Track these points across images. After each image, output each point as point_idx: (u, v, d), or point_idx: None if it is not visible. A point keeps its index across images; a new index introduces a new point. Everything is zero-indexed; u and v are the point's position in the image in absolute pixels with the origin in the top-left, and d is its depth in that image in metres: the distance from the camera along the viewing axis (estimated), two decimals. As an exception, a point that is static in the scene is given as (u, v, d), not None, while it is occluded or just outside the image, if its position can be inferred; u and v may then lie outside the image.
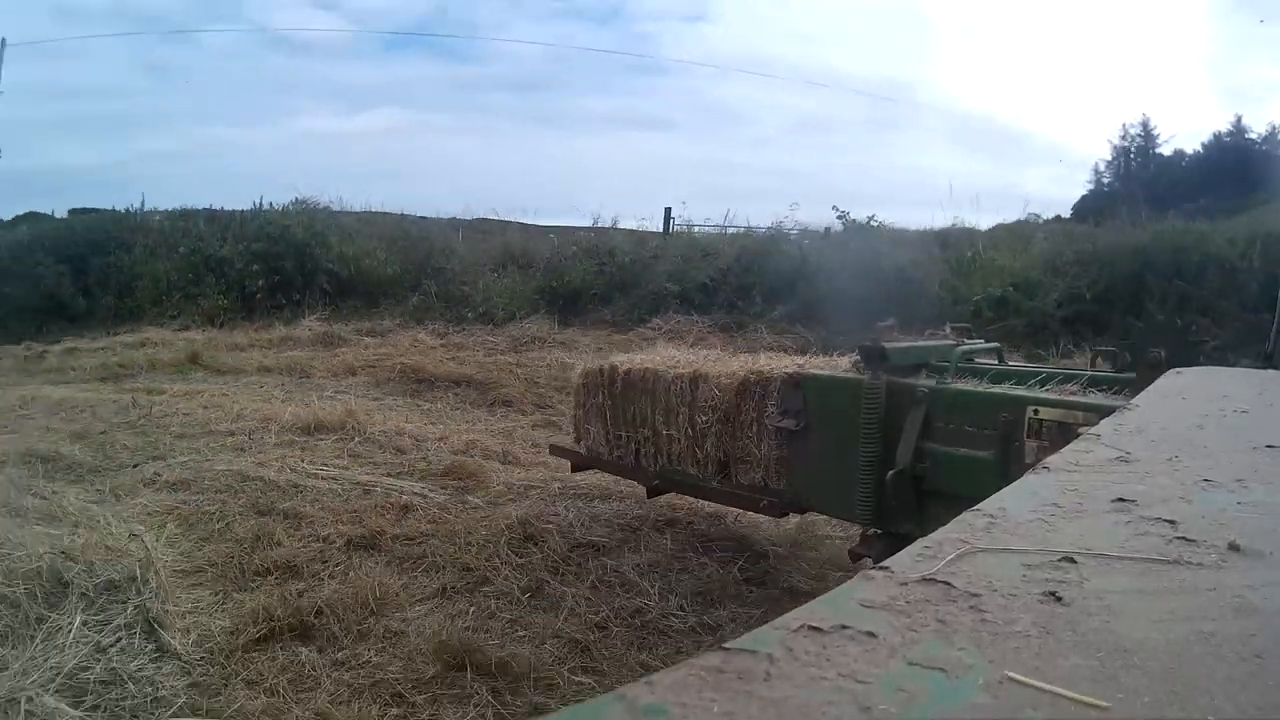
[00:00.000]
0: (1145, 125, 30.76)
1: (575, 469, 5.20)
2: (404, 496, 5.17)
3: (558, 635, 3.49)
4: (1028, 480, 1.38)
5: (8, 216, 26.56)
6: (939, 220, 15.27)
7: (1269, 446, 1.62)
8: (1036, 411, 2.88)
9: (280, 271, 14.55)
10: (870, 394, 3.40)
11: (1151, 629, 0.81)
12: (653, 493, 4.68)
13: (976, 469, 2.98)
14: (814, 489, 3.78)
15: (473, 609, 3.73)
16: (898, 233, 14.59)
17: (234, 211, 17.27)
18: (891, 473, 3.24)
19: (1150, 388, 2.58)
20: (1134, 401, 2.27)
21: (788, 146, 49.05)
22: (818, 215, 16.20)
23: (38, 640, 2.99)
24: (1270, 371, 3.22)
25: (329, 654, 3.24)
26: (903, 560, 0.97)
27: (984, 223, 15.49)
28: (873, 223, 14.59)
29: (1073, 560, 0.97)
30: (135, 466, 5.65)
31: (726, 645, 0.72)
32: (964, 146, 49.22)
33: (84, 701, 2.69)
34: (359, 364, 10.11)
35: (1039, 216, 16.64)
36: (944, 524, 1.11)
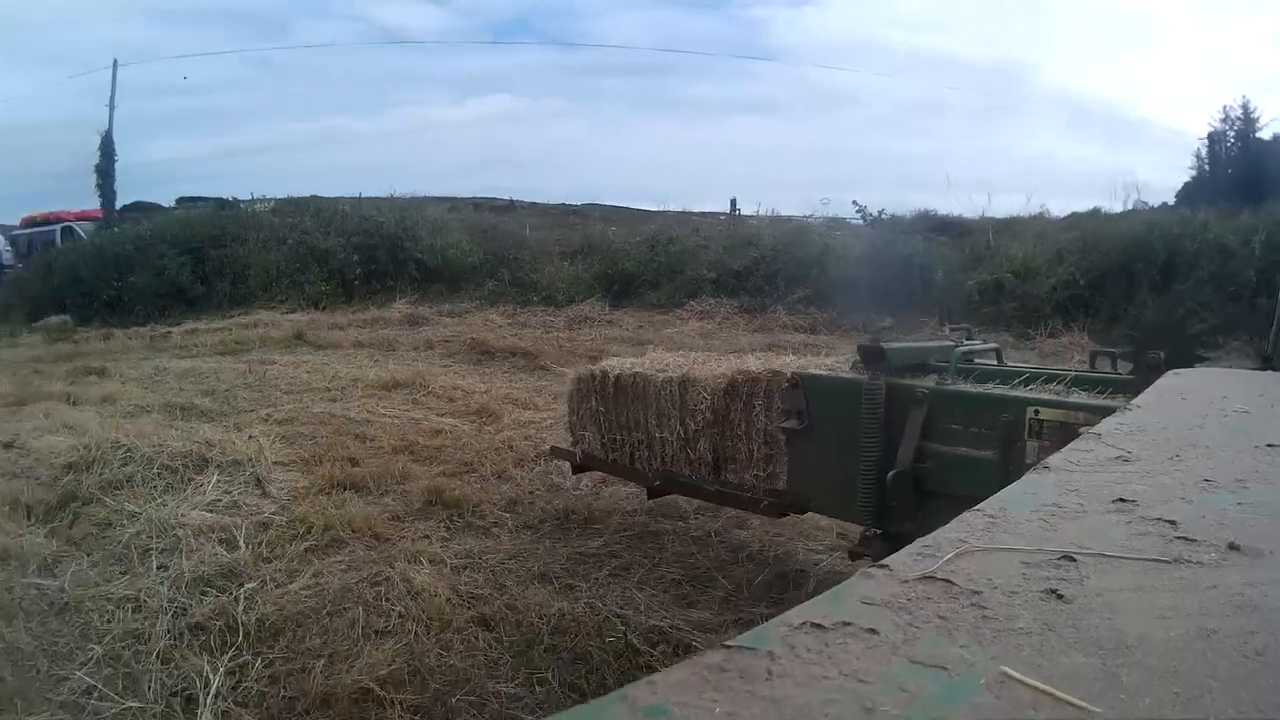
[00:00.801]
0: (1245, 108, 28.59)
1: (576, 470, 5.34)
2: (440, 426, 6.95)
3: (502, 494, 5.34)
4: (1028, 480, 1.41)
5: (117, 205, 28.71)
6: (1032, 206, 16.11)
7: (1269, 446, 1.63)
8: (1037, 412, 2.94)
9: (375, 261, 16.58)
10: (870, 394, 3.45)
11: (1153, 626, 0.82)
12: (653, 494, 4.78)
13: (977, 469, 3.03)
14: (814, 489, 3.84)
15: (457, 480, 5.49)
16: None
17: (337, 199, 19.74)
18: (892, 473, 3.29)
19: (1150, 388, 2.61)
20: (1134, 402, 2.31)
21: (898, 132, 48.96)
22: (904, 203, 16.92)
23: (189, 490, 4.88)
24: (1270, 373, 3.22)
25: (363, 497, 5.07)
26: (903, 559, 0.98)
27: (1081, 207, 16.21)
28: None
29: (1073, 559, 0.98)
30: (251, 411, 7.49)
31: (728, 643, 0.75)
32: (1076, 130, 48.49)
33: (218, 516, 4.56)
34: (436, 339, 11.73)
35: (1146, 204, 16.96)
36: (945, 524, 1.13)
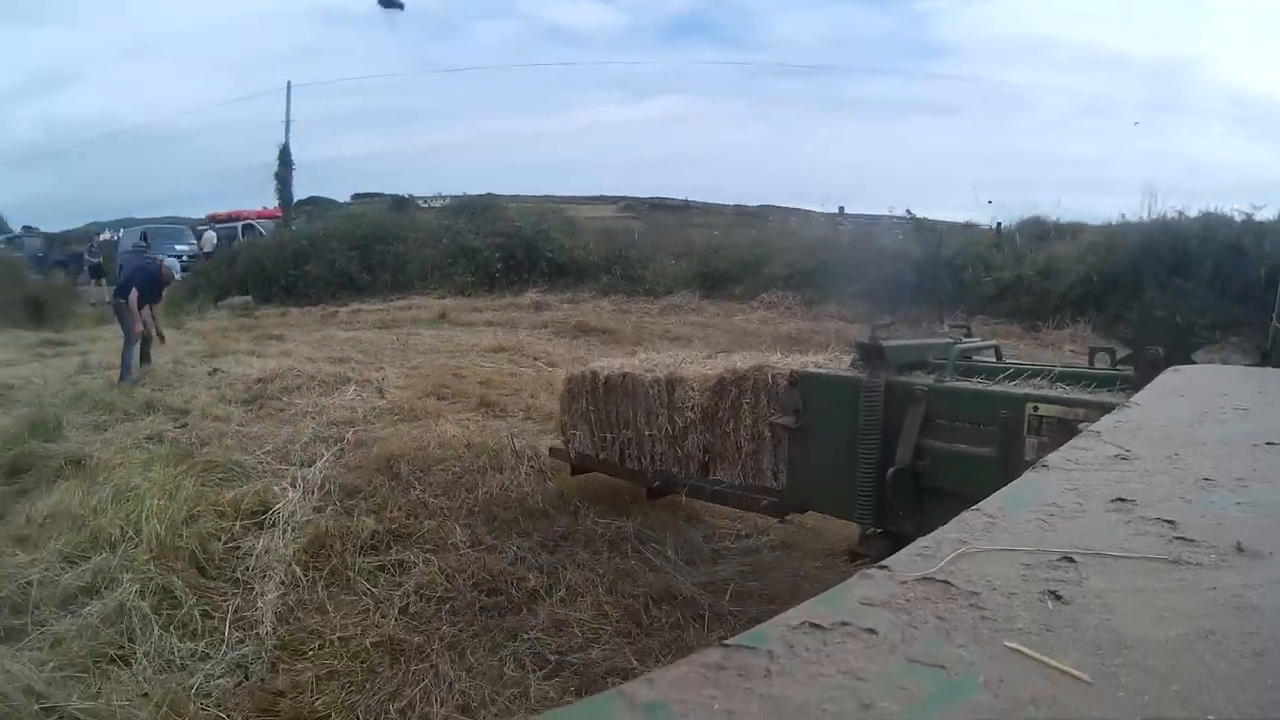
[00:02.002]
0: None
1: (575, 472, 5.35)
2: (515, 371, 9.43)
3: (525, 402, 7.55)
4: (1027, 479, 1.42)
5: (294, 200, 31.05)
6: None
7: (1269, 444, 1.64)
8: (1036, 409, 2.94)
9: (514, 257, 19.68)
10: (869, 392, 3.46)
11: (1151, 627, 0.82)
12: (652, 494, 4.80)
13: (976, 466, 3.03)
14: (814, 488, 3.84)
15: (502, 397, 7.75)
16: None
17: (502, 197, 23.39)
18: (891, 470, 3.30)
19: (1150, 385, 2.60)
20: (1134, 399, 2.32)
21: (1069, 131, 47.89)
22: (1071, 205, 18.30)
23: (335, 394, 7.26)
24: (1269, 369, 3.23)
25: (440, 401, 7.34)
26: (902, 559, 0.99)
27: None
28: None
29: (1072, 560, 0.99)
30: (390, 361, 10.08)
31: (727, 642, 0.75)
32: (1250, 131, 45.62)
33: (354, 410, 6.88)
34: (551, 321, 14.34)
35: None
36: (944, 523, 1.14)
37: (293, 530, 4.05)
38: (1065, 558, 1.00)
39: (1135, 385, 2.84)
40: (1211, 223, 14.22)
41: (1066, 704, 0.68)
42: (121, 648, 3.11)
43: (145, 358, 8.60)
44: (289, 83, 28.41)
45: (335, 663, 3.23)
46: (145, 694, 2.82)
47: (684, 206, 32.52)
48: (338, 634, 3.43)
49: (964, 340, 4.02)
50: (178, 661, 3.06)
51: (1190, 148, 37.15)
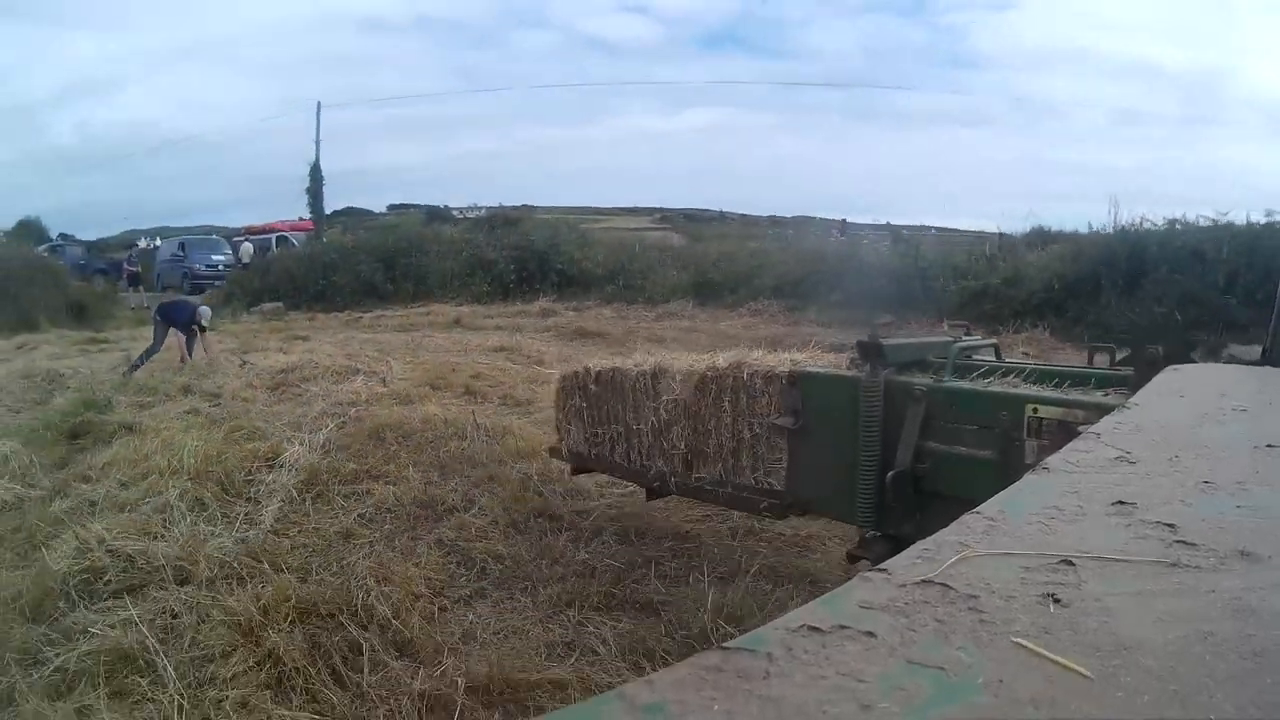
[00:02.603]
0: None
1: (575, 471, 5.40)
2: (505, 367, 10.41)
3: (505, 391, 8.65)
4: (1027, 482, 1.43)
5: (328, 210, 33.64)
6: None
7: (1269, 446, 1.65)
8: (1036, 410, 2.93)
9: (526, 268, 21.44)
10: (869, 392, 3.44)
11: (1151, 629, 0.83)
12: (651, 495, 4.81)
13: (976, 468, 3.03)
14: (813, 490, 3.82)
15: (485, 387, 8.84)
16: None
17: (539, 209, 26.66)
18: (891, 473, 3.28)
19: (1149, 385, 2.61)
20: (1133, 400, 2.32)
21: (1102, 142, 50.80)
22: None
23: (344, 383, 8.51)
24: (1268, 369, 3.22)
25: (434, 389, 8.46)
26: (901, 562, 1.00)
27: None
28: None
29: (1071, 563, 1.00)
30: (400, 358, 11.31)
31: (726, 644, 0.76)
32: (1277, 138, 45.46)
33: (359, 395, 8.11)
34: (553, 325, 15.92)
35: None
36: (944, 526, 1.14)
37: (295, 470, 5.24)
38: (1065, 561, 1.00)
39: (1134, 384, 2.84)
40: (1174, 230, 15.35)
41: (1067, 705, 0.69)
42: (164, 528, 4.30)
43: (183, 358, 10.35)
44: (319, 103, 30.65)
45: (305, 540, 4.43)
46: (175, 551, 4.02)
47: (719, 218, 34.41)
48: (313, 526, 4.67)
49: (963, 339, 4.01)
50: (200, 536, 4.25)
51: (1225, 157, 37.60)
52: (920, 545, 1.06)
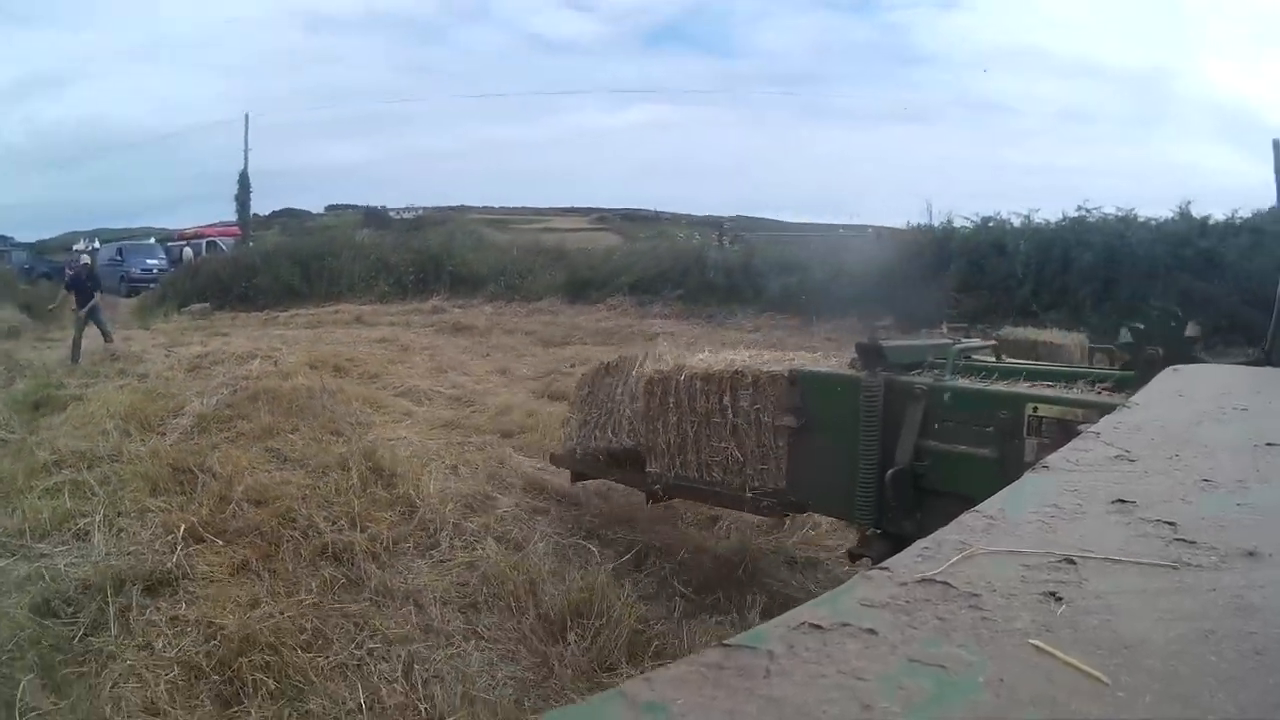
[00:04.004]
0: None
1: (575, 479, 5.52)
2: (374, 351, 12.50)
3: (364, 369, 10.84)
4: (1027, 481, 1.44)
5: (265, 212, 35.69)
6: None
7: (1269, 445, 1.67)
8: (1036, 409, 2.99)
9: (424, 270, 23.56)
10: (869, 392, 3.51)
11: (1152, 628, 0.84)
12: (651, 498, 4.87)
13: (976, 467, 3.08)
14: (813, 489, 3.89)
15: (350, 366, 10.95)
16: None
17: (457, 209, 28.36)
18: (891, 472, 3.35)
19: (1149, 385, 2.64)
20: (1133, 399, 2.35)
21: (1050, 140, 50.31)
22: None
23: (246, 365, 11.20)
24: (1268, 369, 3.21)
25: (314, 365, 11.18)
26: (902, 561, 1.01)
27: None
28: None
29: (1072, 561, 1.01)
30: (300, 346, 13.82)
31: (727, 642, 0.77)
32: (1227, 140, 48.93)
33: (253, 373, 10.79)
34: (437, 321, 17.99)
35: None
36: (944, 524, 1.16)
37: (191, 416, 7.88)
38: (1065, 559, 1.01)
39: (1135, 384, 2.87)
40: (984, 227, 17.57)
41: (1067, 704, 0.69)
42: (104, 440, 6.85)
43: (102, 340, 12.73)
44: (246, 115, 32.69)
45: (187, 449, 6.66)
46: (109, 449, 6.65)
47: (655, 217, 35.14)
48: (194, 444, 6.97)
49: (963, 340, 4.11)
50: (126, 444, 6.89)
51: (1172, 156, 39.45)
52: (921, 543, 1.07)
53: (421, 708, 3.03)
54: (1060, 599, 0.91)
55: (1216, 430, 1.88)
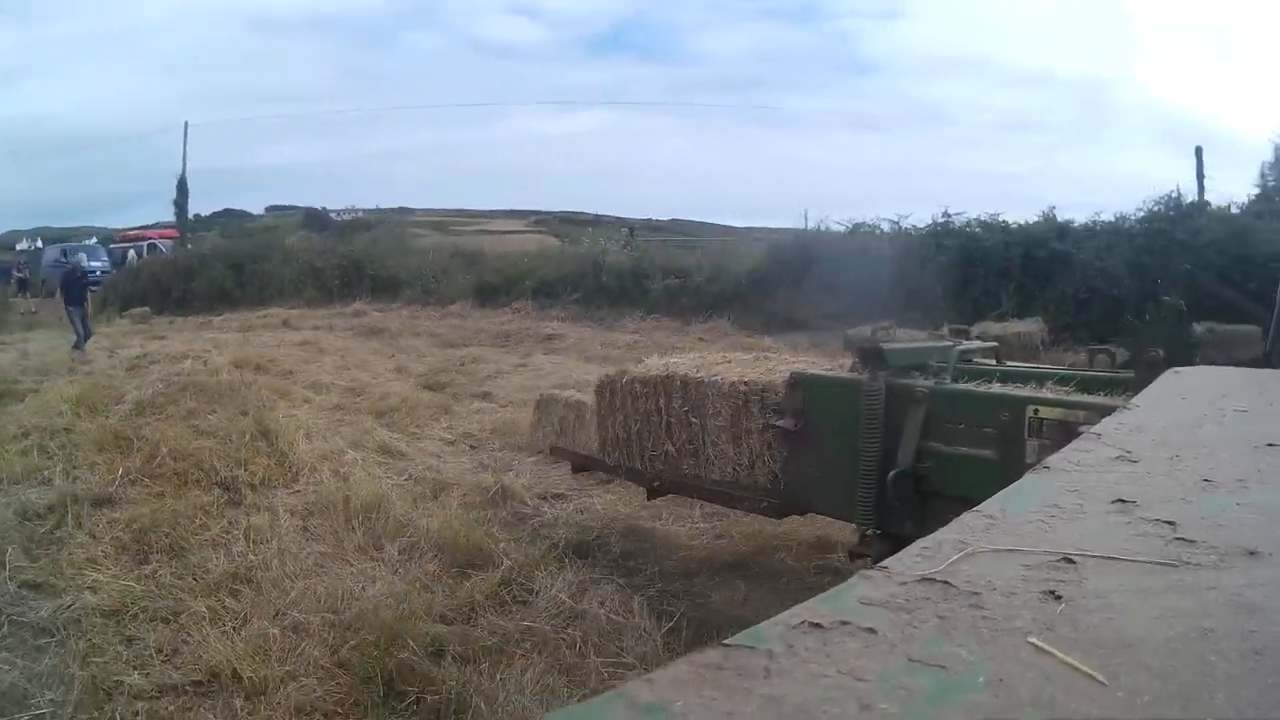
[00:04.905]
0: None
1: (575, 470, 5.77)
2: (291, 353, 13.72)
3: (279, 366, 12.56)
4: (1027, 480, 1.46)
5: (206, 213, 36.33)
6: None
7: (1269, 445, 1.69)
8: (1036, 411, 3.05)
9: (349, 276, 24.81)
10: (869, 394, 3.58)
11: (1152, 627, 0.85)
12: (652, 494, 5.05)
13: (977, 469, 3.15)
14: (813, 489, 3.99)
15: (269, 364, 12.74)
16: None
17: (397, 211, 29.93)
18: (892, 473, 3.42)
19: (1150, 387, 2.68)
20: (1134, 401, 2.39)
21: (992, 146, 52.00)
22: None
23: (180, 363, 13.20)
24: (1269, 371, 3.29)
25: (239, 365, 13.19)
26: (902, 560, 1.03)
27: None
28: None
29: (1072, 561, 1.02)
30: (229, 349, 15.62)
31: (727, 642, 0.78)
32: (1169, 146, 50.22)
33: (185, 370, 12.77)
34: (356, 325, 19.17)
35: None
36: (945, 525, 1.18)
37: (131, 403, 9.56)
38: (1065, 558, 1.03)
39: (1135, 386, 2.91)
40: (855, 233, 19.04)
41: (1067, 704, 0.70)
42: (59, 418, 8.58)
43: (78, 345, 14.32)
44: (185, 123, 34.27)
45: (130, 424, 8.46)
46: (65, 423, 8.46)
47: (595, 221, 35.36)
48: (134, 422, 9.01)
49: (963, 343, 4.16)
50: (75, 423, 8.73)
51: (1118, 164, 40.44)
52: (921, 543, 1.08)
53: (253, 558, 5.05)
54: (1060, 598, 0.91)
55: (1217, 431, 1.90)
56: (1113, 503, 1.28)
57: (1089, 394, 3.20)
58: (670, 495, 5.18)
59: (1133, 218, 16.44)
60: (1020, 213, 18.25)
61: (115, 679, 3.76)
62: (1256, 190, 26.22)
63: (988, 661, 0.77)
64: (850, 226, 19.76)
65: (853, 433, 3.64)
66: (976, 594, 0.92)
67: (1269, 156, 28.48)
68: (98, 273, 29.87)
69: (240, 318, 21.93)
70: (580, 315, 19.55)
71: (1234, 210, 16.91)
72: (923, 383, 3.57)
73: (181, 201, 34.12)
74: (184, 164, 34.37)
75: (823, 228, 20.24)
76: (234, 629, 4.14)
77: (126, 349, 14.91)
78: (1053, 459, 1.59)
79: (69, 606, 4.44)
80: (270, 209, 40.75)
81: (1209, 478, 1.43)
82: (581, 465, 5.64)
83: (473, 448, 8.19)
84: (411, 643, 3.85)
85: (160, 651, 3.99)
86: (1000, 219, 17.57)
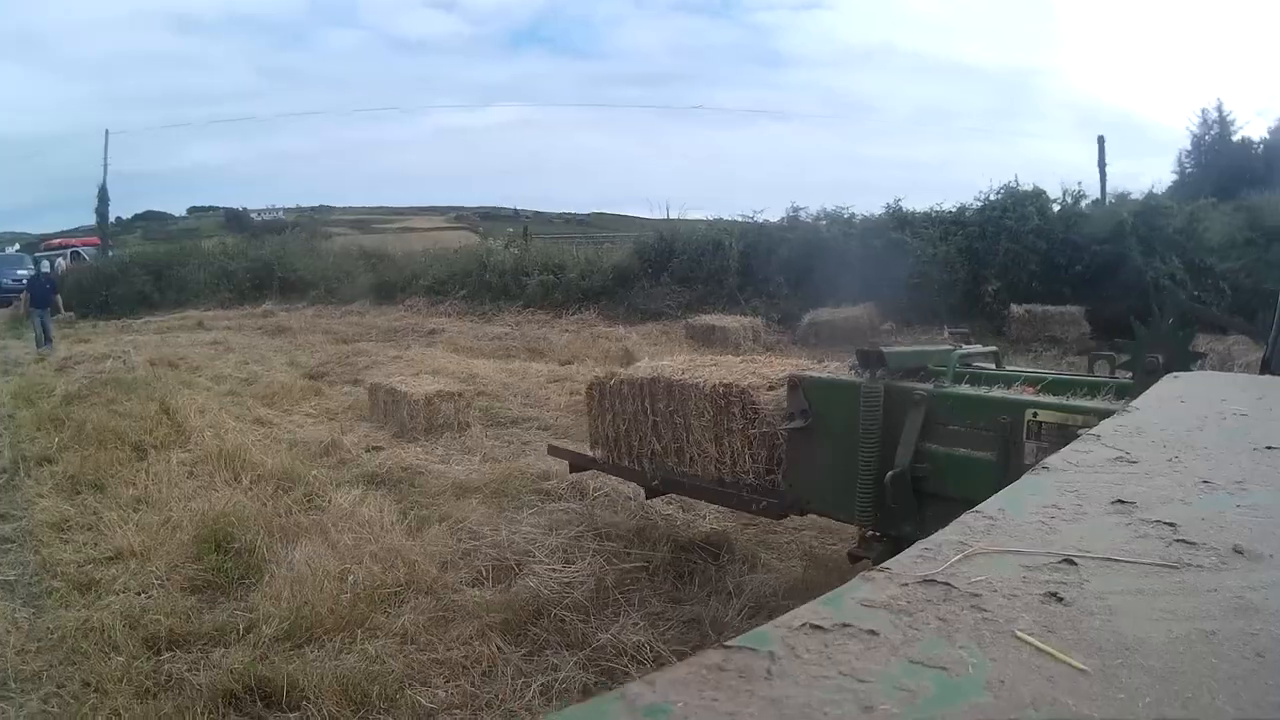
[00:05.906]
0: (1220, 110, 30.43)
1: (573, 469, 5.81)
2: (206, 352, 15.88)
3: (195, 361, 15.02)
4: (1027, 481, 1.46)
5: (127, 215, 36.77)
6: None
7: (1268, 448, 1.69)
8: (1035, 414, 3.07)
9: (259, 278, 26.15)
10: (869, 397, 3.60)
11: (1152, 628, 0.85)
12: (651, 493, 5.10)
13: (976, 470, 3.17)
14: (813, 490, 4.01)
15: (180, 361, 14.77)
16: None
17: (319, 209, 30.56)
18: (890, 474, 3.44)
19: (1149, 391, 2.68)
20: (1133, 404, 2.39)
21: (910, 137, 55.63)
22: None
23: (101, 364, 15.60)
24: (1268, 377, 3.31)
25: (154, 363, 15.58)
26: (903, 561, 1.03)
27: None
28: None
29: (1072, 562, 1.02)
30: (147, 350, 17.69)
31: (728, 643, 0.78)
32: (1085, 135, 50.53)
33: (107, 368, 15.19)
34: (265, 325, 20.37)
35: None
36: (944, 526, 1.17)
37: (60, 396, 10.88)
38: (1066, 560, 1.03)
39: (1135, 391, 2.90)
40: (711, 227, 20.06)
41: (1068, 705, 0.70)
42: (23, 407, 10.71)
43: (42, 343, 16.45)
44: (106, 131, 35.77)
45: (65, 409, 10.41)
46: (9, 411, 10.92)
47: (514, 216, 35.96)
48: (65, 408, 10.81)
49: (963, 346, 4.21)
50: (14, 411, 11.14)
51: (1039, 153, 41.74)
52: (922, 544, 1.08)
53: (151, 488, 6.94)
54: (1061, 599, 0.91)
55: (1217, 434, 1.90)
56: (1113, 504, 1.28)
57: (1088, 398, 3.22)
58: (670, 495, 5.30)
59: (972, 207, 17.72)
60: (925, 201, 19.48)
61: (56, 559, 5.49)
62: (1175, 177, 28.48)
63: (989, 663, 0.77)
64: (709, 220, 21.26)
65: (852, 435, 3.68)
66: (978, 595, 0.92)
67: (1186, 145, 30.68)
68: (23, 281, 31.37)
69: (159, 320, 23.23)
70: (465, 310, 20.98)
71: (1135, 197, 18.41)
72: (922, 385, 3.61)
73: (103, 210, 35.56)
74: (105, 171, 35.84)
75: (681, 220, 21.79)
76: (135, 528, 5.82)
77: (54, 352, 16.97)
78: (1052, 460, 1.60)
79: (24, 524, 6.27)
80: (192, 210, 41.22)
81: (1208, 479, 1.44)
82: (579, 465, 5.70)
83: (330, 419, 9.97)
84: (238, 525, 5.66)
85: (86, 545, 5.69)
86: (847, 212, 19.16)
